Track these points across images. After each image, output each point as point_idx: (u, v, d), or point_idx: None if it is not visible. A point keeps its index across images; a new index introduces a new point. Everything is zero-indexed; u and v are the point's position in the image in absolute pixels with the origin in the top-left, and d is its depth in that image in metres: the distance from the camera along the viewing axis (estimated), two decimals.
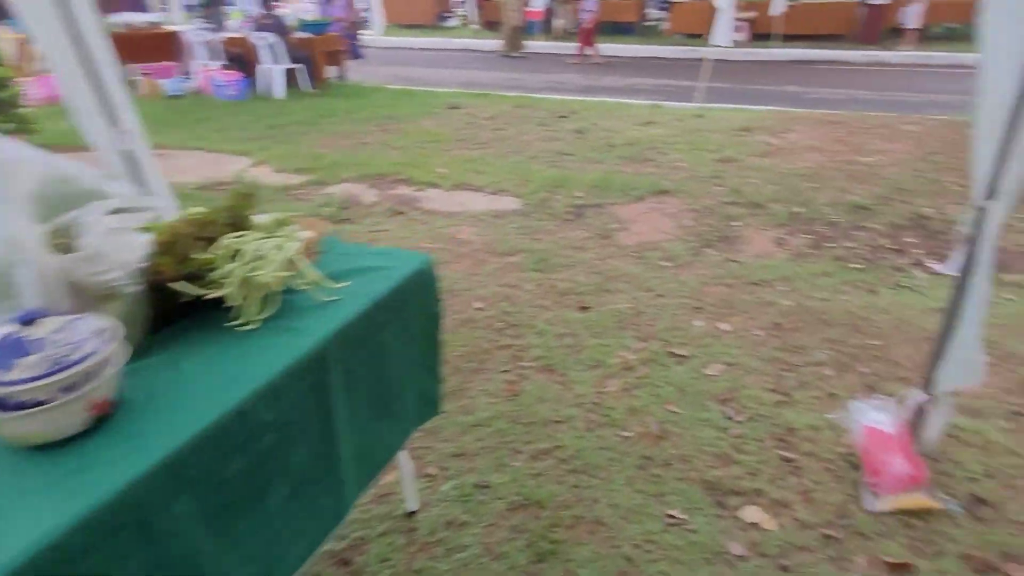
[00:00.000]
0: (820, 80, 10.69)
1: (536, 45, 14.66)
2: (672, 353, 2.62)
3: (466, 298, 3.10)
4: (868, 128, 5.88)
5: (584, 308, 3.00)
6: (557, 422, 2.23)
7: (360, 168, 5.23)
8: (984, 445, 2.04)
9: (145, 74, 7.99)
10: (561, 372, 2.52)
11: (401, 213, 4.29)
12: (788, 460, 2.02)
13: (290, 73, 8.48)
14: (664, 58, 13.57)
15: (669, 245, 3.70)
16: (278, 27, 8.08)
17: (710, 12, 12.92)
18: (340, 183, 4.94)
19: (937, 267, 3.34)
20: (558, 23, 15.62)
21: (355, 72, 10.21)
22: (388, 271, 1.50)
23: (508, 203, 4.49)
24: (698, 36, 14.32)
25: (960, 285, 1.64)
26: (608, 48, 14.20)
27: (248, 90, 8.05)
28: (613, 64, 12.84)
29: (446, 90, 9.32)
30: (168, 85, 7.77)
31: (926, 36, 13.15)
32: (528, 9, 15.15)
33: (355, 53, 9.65)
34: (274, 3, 9.18)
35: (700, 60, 12.19)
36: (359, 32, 10.76)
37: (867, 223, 3.94)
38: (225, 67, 8.35)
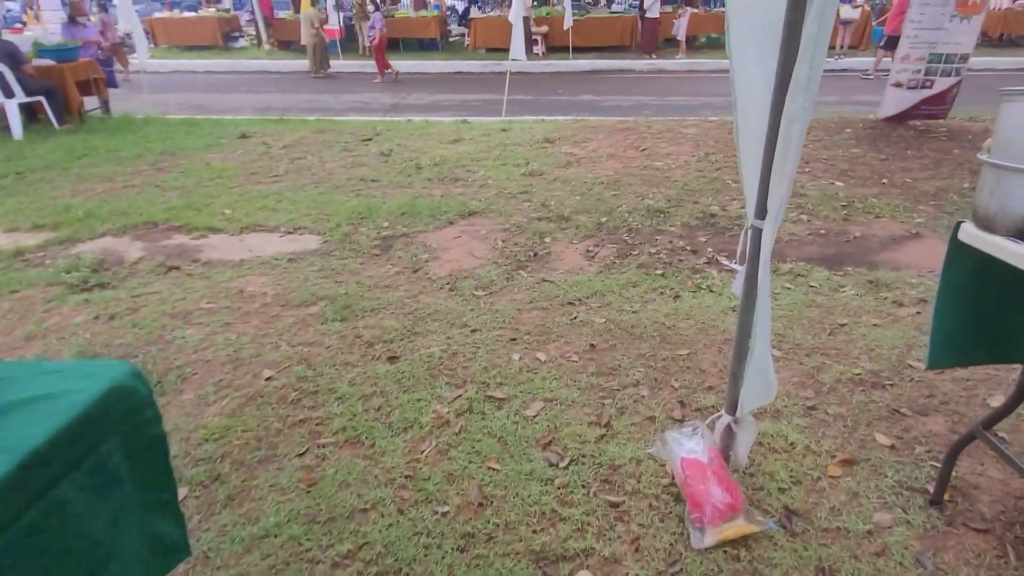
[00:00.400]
0: (610, 88, 11.46)
1: (342, 64, 14.06)
2: (490, 397, 2.42)
3: (253, 367, 2.64)
4: (656, 133, 6.29)
5: (393, 358, 2.70)
6: (364, 510, 1.90)
7: (124, 217, 4.42)
8: (787, 449, 2.09)
9: None
10: (368, 443, 2.19)
11: (175, 269, 3.65)
12: (615, 505, 1.89)
13: (34, 108, 7.12)
14: (468, 72, 13.73)
15: (482, 271, 3.53)
16: (5, 54, 6.72)
17: (509, 27, 13.34)
18: (97, 238, 4.13)
19: (728, 263, 3.54)
20: (365, 41, 15.13)
21: (127, 101, 8.91)
22: (62, 400, 1.08)
23: (307, 242, 4.04)
24: (499, 50, 14.71)
25: (745, 307, 1.61)
26: (413, 65, 14.06)
27: None
28: (419, 80, 12.69)
29: (237, 117, 8.46)
30: None
31: (694, 46, 14.77)
32: (327, 28, 14.49)
33: (110, 81, 8.39)
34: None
35: (502, 73, 12.52)
36: (123, 56, 9.41)
37: (664, 226, 4.11)
38: None
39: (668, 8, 14.45)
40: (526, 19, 13.56)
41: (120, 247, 3.99)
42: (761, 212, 1.43)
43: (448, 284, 3.40)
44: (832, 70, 12.52)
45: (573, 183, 4.96)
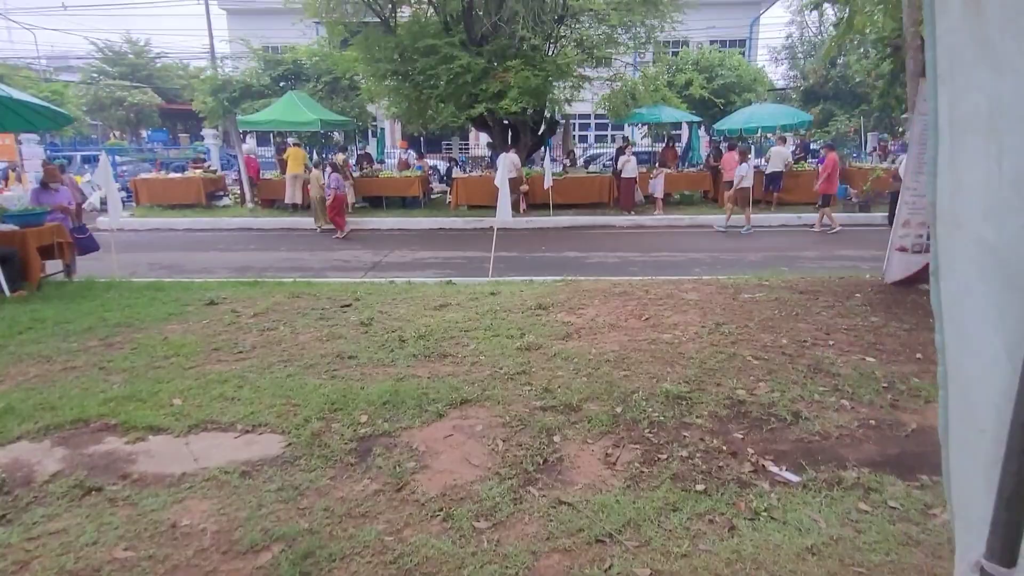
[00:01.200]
0: (594, 245, 11.50)
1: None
2: None
3: None
4: (656, 299, 5.96)
5: None
6: None
7: (51, 413, 3.72)
8: None
9: None
10: None
11: (95, 491, 2.90)
12: None
13: None
14: (451, 229, 13.85)
15: (483, 488, 2.85)
16: None
17: (490, 185, 13.73)
18: (9, 444, 3.39)
19: (779, 473, 2.94)
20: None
21: (98, 262, 8.48)
22: None
23: (267, 445, 3.35)
24: (481, 207, 15.04)
25: None
26: (396, 222, 14.20)
27: None
28: (401, 237, 12.68)
29: (210, 279, 8.04)
30: None
31: (669, 202, 15.31)
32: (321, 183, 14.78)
33: (85, 246, 8.03)
34: None
35: (486, 230, 12.62)
36: (94, 218, 9.14)
37: (690, 417, 3.54)
38: None
39: (643, 168, 15.14)
40: (515, 179, 14.05)
41: (34, 457, 3.24)
42: (1006, 555, 0.86)
43: (441, 510, 2.70)
44: (786, 225, 12.90)
45: (576, 360, 4.45)
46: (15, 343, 5.09)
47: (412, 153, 21.54)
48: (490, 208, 14.95)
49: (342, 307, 6.22)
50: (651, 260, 9.96)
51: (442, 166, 21.25)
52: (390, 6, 16.46)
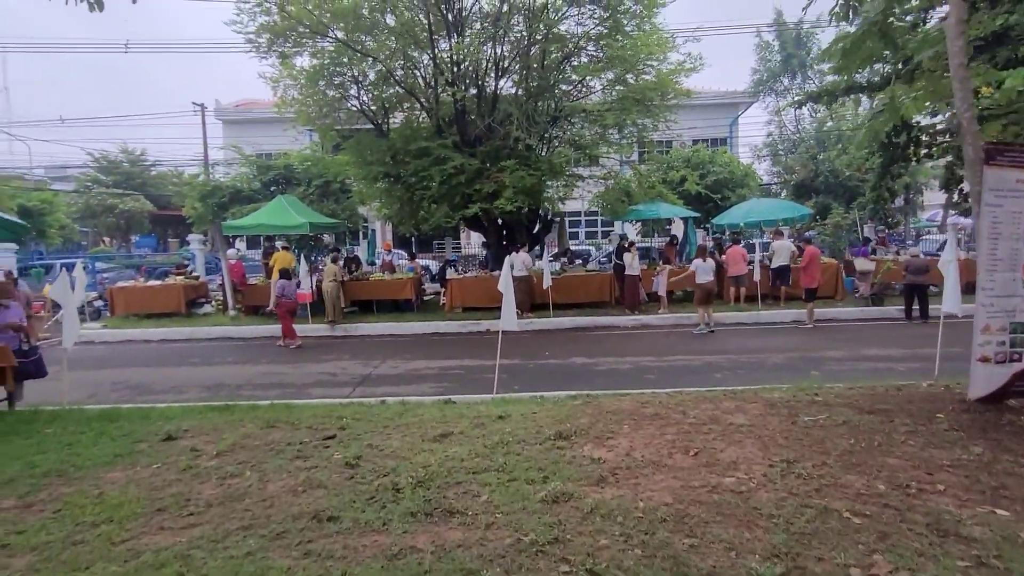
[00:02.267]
0: (601, 348, 10.67)
1: (311, 328, 13.25)
2: None
3: None
4: (698, 424, 5.03)
5: None
6: None
7: None
8: None
9: None
10: None
11: None
12: None
13: None
14: (446, 334, 13.02)
15: None
16: None
17: (484, 286, 13.16)
18: None
19: None
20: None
21: (55, 382, 7.49)
22: None
23: None
24: (477, 309, 14.31)
25: None
26: (388, 327, 13.37)
27: None
28: (394, 344, 11.80)
29: (174, 404, 7.04)
30: None
31: (672, 299, 14.67)
32: (300, 292, 14.06)
33: (28, 371, 7.06)
34: None
35: (483, 334, 11.84)
36: (34, 329, 8.21)
37: None
38: None
39: (644, 265, 14.63)
40: (525, 279, 13.41)
41: None
42: None
43: None
44: (799, 321, 12.21)
45: (621, 520, 3.47)
46: None
47: (400, 253, 21.14)
48: (486, 310, 14.31)
49: (324, 440, 5.23)
50: (666, 365, 9.11)
51: (434, 266, 20.76)
52: (383, 112, 16.58)
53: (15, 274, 11.99)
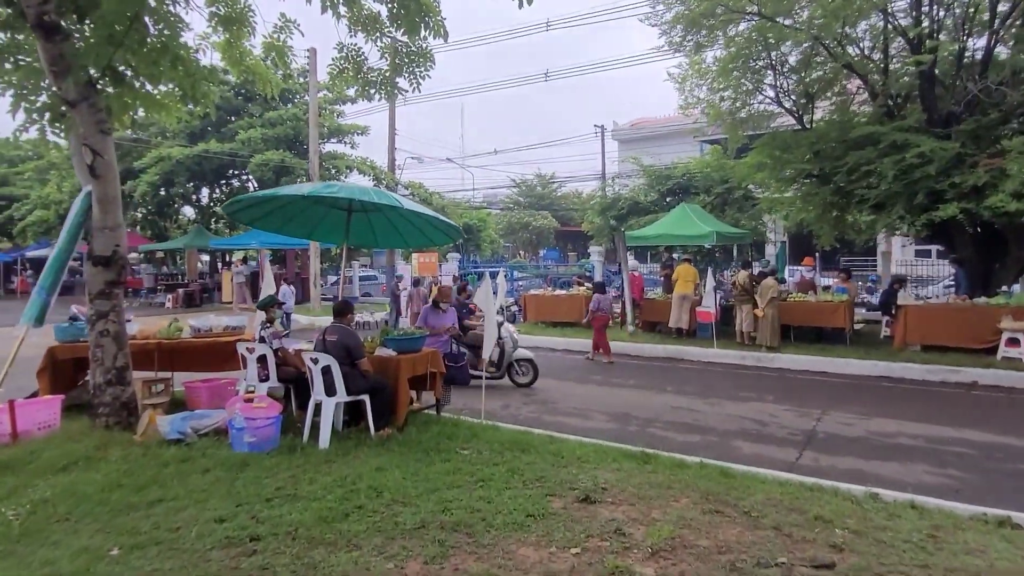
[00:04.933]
0: None
1: (717, 353, 11.45)
2: None
3: None
4: None
5: None
6: None
7: None
8: None
9: (152, 406, 5.73)
10: None
11: None
12: None
13: (356, 408, 5.83)
14: (905, 381, 9.48)
15: None
16: (341, 347, 5.64)
17: (956, 316, 9.42)
18: None
19: None
20: (742, 326, 12.52)
21: (472, 390, 7.48)
22: None
23: None
24: (944, 349, 10.27)
25: None
26: (811, 361, 10.55)
27: (279, 434, 5.35)
28: (826, 387, 8.99)
29: (584, 439, 6.02)
30: (168, 424, 5.33)
31: None
32: (700, 309, 12.45)
33: (454, 377, 6.98)
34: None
35: (968, 386, 8.34)
36: (473, 340, 8.26)
37: None
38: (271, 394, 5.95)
39: None
40: None
41: None
42: None
43: None
44: None
45: None
46: (332, 531, 3.56)
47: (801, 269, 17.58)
48: (961, 351, 10.08)
49: (815, 569, 3.20)
50: None
51: (877, 293, 16.59)
52: (804, 100, 13.75)
53: (463, 279, 13.48)
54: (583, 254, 37.13)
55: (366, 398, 5.64)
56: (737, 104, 14.29)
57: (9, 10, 5.17)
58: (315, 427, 5.51)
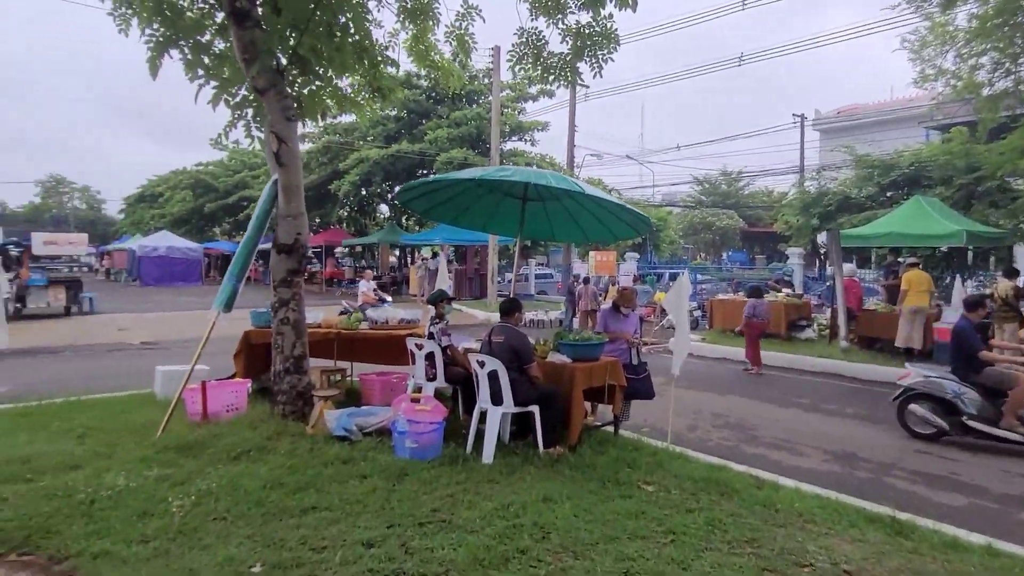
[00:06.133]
0: None
1: None
2: None
3: None
4: None
5: None
6: None
7: None
8: None
9: (324, 398, 5.62)
10: None
11: None
12: None
13: (524, 419, 5.20)
14: None
15: None
16: (509, 350, 5.03)
17: None
18: None
19: None
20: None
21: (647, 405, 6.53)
22: None
23: None
24: None
25: None
26: None
27: (442, 441, 4.89)
28: None
29: (802, 485, 4.77)
30: (335, 419, 5.14)
31: None
32: (940, 326, 10.03)
33: (637, 390, 6.05)
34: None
35: None
36: (655, 349, 7.23)
37: None
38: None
39: None
40: None
41: None
42: None
43: None
44: None
45: None
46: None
47: None
48: None
49: None
50: None
51: None
52: None
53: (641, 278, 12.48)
54: (772, 257, 33.58)
55: (535, 409, 4.98)
56: (997, 73, 11.42)
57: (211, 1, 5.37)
58: (480, 435, 4.99)
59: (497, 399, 4.91)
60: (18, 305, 14.89)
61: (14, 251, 15.92)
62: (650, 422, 6.73)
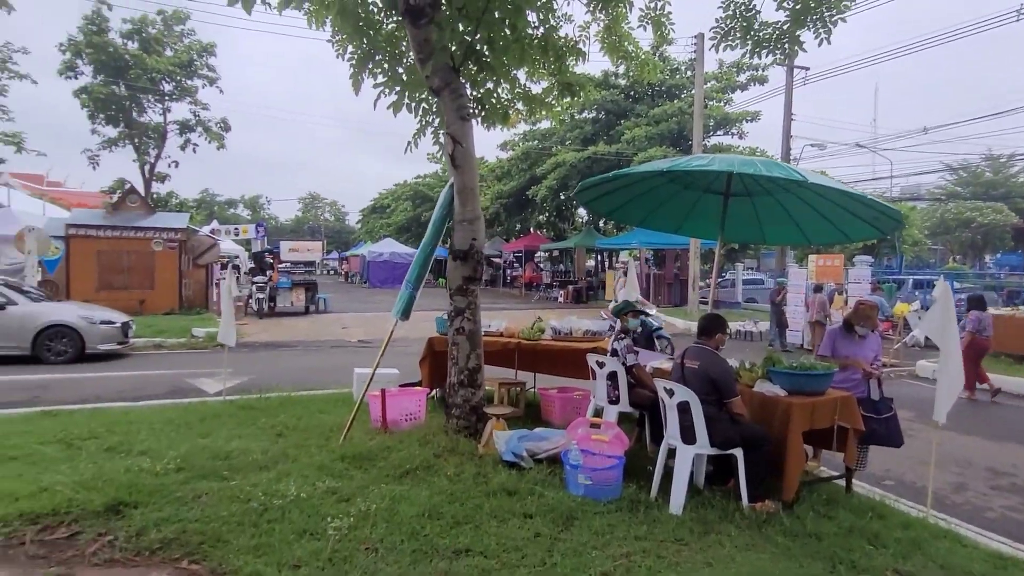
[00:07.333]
0: None
1: None
2: None
3: None
4: None
5: None
6: None
7: None
8: None
9: (496, 416, 5.21)
10: None
11: None
12: None
13: (725, 460, 4.26)
14: None
15: None
16: (705, 375, 4.12)
17: None
18: None
19: None
20: None
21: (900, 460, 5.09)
22: None
23: None
24: None
25: None
26: None
27: (621, 481, 4.17)
28: None
29: None
30: (505, 442, 4.69)
31: None
32: None
33: (881, 436, 4.66)
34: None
35: None
36: (895, 373, 5.64)
37: None
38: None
39: None
40: None
41: None
42: None
43: None
44: None
45: None
46: None
47: None
48: None
49: None
50: None
51: None
52: None
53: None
54: None
55: (738, 452, 4.03)
56: None
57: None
58: (668, 473, 4.18)
59: (689, 436, 4.06)
60: (271, 304, 17.42)
61: (267, 259, 18.79)
62: (895, 474, 5.26)
